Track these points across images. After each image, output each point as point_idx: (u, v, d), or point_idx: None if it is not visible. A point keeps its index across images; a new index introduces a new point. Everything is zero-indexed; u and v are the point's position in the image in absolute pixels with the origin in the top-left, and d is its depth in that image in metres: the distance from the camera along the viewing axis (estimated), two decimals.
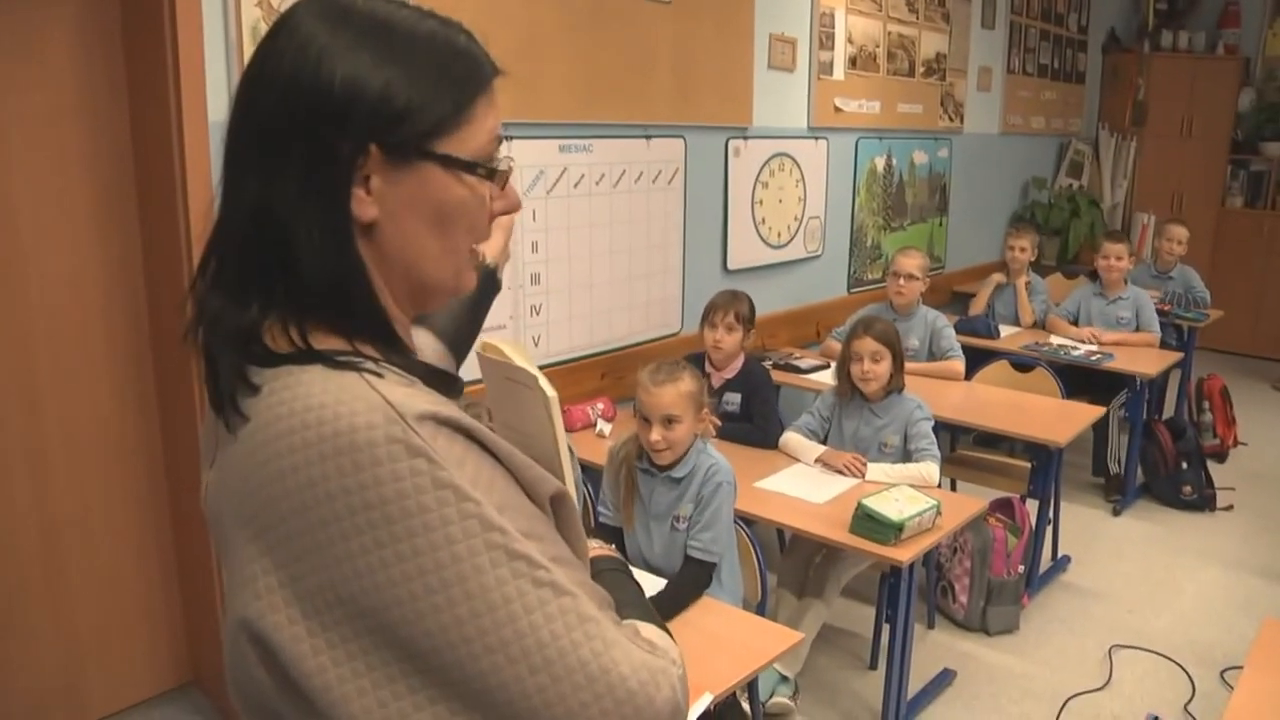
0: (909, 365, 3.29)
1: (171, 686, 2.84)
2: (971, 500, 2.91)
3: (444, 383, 0.80)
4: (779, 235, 4.40)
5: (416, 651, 0.66)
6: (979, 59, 5.76)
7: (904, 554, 2.49)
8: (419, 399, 0.71)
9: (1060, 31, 6.73)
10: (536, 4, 3.11)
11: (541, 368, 3.67)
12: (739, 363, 3.40)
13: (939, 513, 2.60)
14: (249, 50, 2.36)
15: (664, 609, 2.12)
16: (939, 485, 2.97)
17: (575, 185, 3.39)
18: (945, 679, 3.08)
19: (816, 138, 4.51)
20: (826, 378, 3.71)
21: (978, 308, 5.05)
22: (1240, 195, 7.23)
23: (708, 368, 3.39)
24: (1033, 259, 5.12)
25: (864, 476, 2.92)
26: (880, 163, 5.03)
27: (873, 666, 3.15)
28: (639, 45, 3.50)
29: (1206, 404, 5.15)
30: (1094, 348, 4.49)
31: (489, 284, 1.18)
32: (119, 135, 2.53)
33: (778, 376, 3.84)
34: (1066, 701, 2.98)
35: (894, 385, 3.09)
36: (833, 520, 2.63)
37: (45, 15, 2.36)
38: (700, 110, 3.82)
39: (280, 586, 0.69)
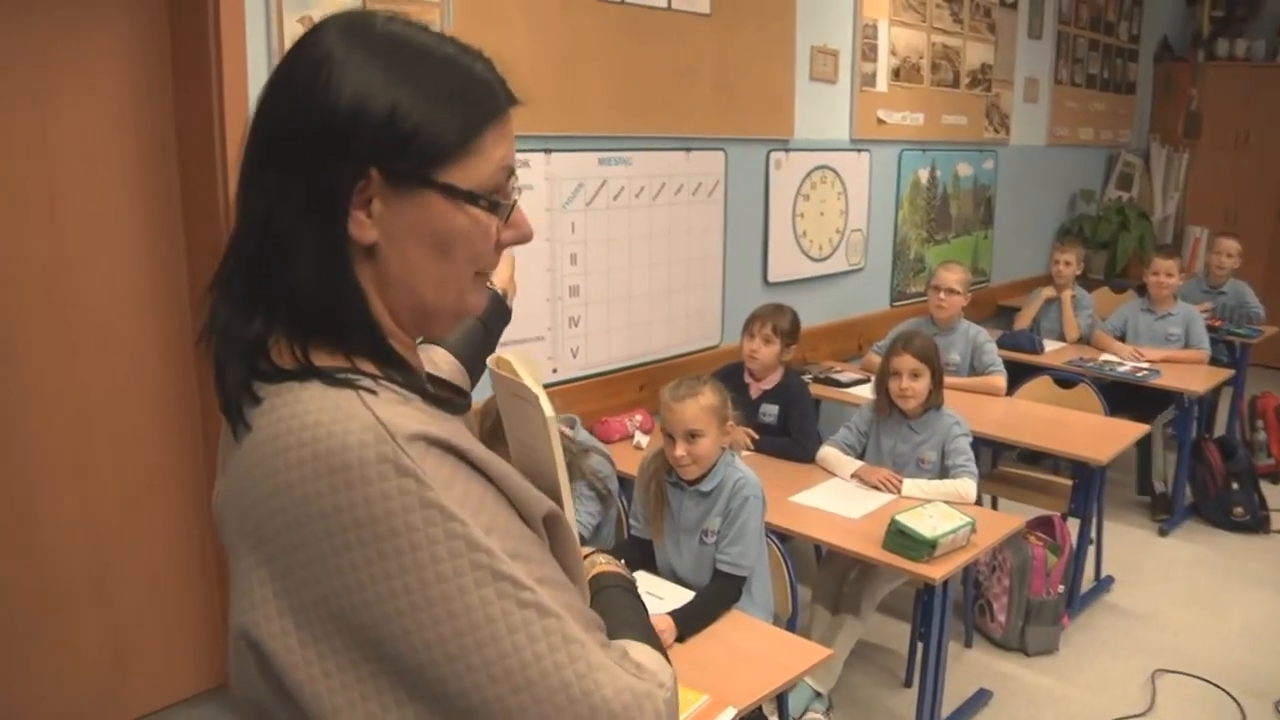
0: (949, 380, 3.26)
1: (211, 686, 2.89)
2: (1008, 518, 2.87)
3: (449, 397, 0.81)
4: (820, 248, 4.38)
5: (403, 667, 0.68)
6: (1025, 70, 5.69)
7: (937, 571, 2.47)
8: (411, 418, 0.72)
9: (1110, 41, 6.63)
10: (577, 17, 3.13)
11: (579, 379, 3.62)
12: (777, 375, 3.40)
13: (974, 530, 2.58)
14: None
15: (691, 622, 2.13)
16: (978, 502, 2.93)
17: (615, 198, 3.41)
18: (981, 699, 3.04)
19: (859, 150, 4.49)
20: (865, 392, 3.68)
21: (1023, 322, 4.98)
22: None
23: (746, 378, 3.40)
24: (1079, 272, 5.03)
25: (899, 492, 2.90)
26: (924, 175, 4.99)
27: (908, 684, 3.12)
28: (679, 57, 3.51)
29: (1260, 423, 5.01)
30: (1141, 364, 4.40)
31: (499, 311, 1.18)
32: (165, 143, 2.60)
33: (816, 390, 3.83)
34: None
35: (933, 401, 3.06)
36: (867, 536, 2.61)
37: (96, 28, 2.43)
38: (741, 123, 3.81)
39: (276, 597, 0.70)
